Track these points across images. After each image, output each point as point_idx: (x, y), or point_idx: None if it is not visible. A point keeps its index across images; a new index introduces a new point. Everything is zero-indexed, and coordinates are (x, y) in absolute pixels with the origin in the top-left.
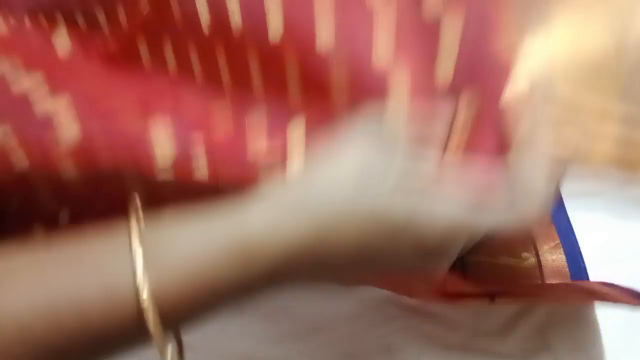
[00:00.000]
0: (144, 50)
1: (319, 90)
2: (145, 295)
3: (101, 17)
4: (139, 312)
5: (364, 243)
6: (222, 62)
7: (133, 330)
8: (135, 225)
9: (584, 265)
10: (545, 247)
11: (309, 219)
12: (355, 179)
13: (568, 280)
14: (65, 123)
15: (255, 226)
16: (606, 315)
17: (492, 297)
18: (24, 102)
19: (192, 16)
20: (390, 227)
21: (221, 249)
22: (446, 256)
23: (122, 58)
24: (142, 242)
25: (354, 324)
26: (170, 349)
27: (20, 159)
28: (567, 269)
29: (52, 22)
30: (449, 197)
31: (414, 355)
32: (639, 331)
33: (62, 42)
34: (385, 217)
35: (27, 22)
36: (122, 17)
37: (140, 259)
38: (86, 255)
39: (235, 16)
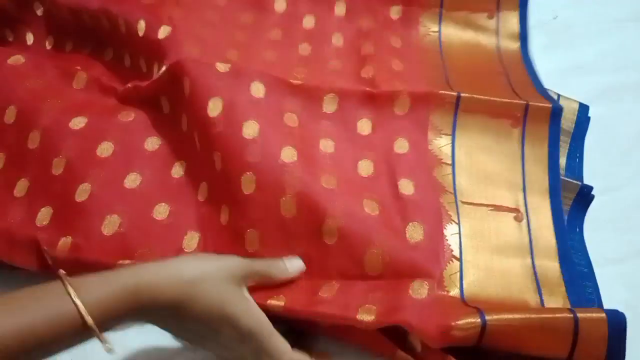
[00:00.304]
0: (165, 106)
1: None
2: (85, 313)
3: (127, 60)
4: (82, 324)
5: (209, 316)
6: (218, 166)
7: (74, 335)
8: (65, 279)
9: None
10: None
11: (184, 284)
12: (227, 275)
13: None
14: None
15: (146, 277)
16: None
17: None
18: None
19: (201, 108)
20: (230, 311)
21: (121, 287)
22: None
23: (145, 106)
24: (72, 283)
25: None
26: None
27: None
28: None
29: (77, 48)
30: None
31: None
32: (639, 331)
33: (80, 76)
34: (230, 305)
35: (49, 44)
36: (144, 68)
37: (73, 292)
38: (39, 297)
39: (254, 155)
